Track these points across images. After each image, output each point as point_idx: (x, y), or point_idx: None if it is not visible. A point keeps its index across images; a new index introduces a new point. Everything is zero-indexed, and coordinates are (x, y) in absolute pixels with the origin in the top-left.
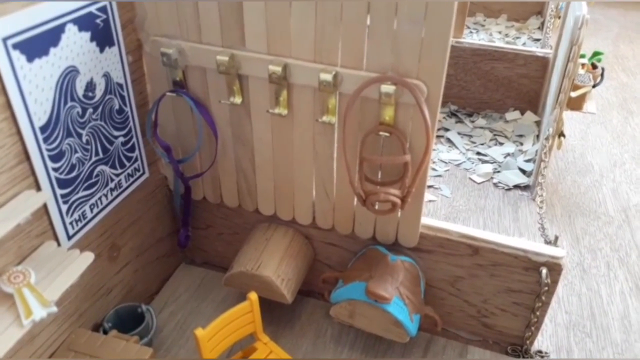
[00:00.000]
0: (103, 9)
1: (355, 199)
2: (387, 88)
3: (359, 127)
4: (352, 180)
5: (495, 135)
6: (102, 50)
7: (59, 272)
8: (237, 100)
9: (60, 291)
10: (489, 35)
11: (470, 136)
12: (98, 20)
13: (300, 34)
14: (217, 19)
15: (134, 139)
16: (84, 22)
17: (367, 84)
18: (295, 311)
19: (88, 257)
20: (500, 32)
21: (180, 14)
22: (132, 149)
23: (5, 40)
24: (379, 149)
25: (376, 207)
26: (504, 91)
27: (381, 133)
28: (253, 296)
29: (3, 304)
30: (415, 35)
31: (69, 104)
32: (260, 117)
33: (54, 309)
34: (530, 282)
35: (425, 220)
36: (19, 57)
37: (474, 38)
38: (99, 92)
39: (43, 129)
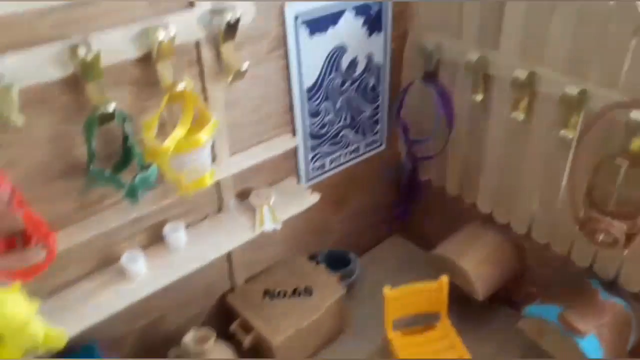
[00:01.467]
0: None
1: None
2: None
3: (597, 150)
4: (574, 203)
5: None
6: (370, 35)
7: (291, 202)
8: (479, 98)
9: (288, 215)
10: None
11: None
12: (373, 9)
13: (556, 44)
14: (478, 20)
15: (380, 114)
16: (361, 10)
17: (616, 107)
18: (486, 314)
19: (315, 197)
20: None
21: (446, 12)
22: (376, 123)
23: (297, 17)
24: (615, 177)
25: (599, 237)
26: None
27: (622, 162)
28: (444, 279)
29: (247, 213)
30: None
31: (333, 74)
32: (498, 117)
33: (279, 226)
34: None
35: None
36: (303, 31)
37: None
38: (359, 70)
39: (308, 89)
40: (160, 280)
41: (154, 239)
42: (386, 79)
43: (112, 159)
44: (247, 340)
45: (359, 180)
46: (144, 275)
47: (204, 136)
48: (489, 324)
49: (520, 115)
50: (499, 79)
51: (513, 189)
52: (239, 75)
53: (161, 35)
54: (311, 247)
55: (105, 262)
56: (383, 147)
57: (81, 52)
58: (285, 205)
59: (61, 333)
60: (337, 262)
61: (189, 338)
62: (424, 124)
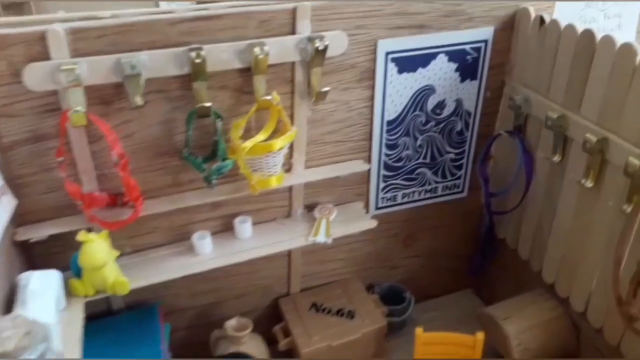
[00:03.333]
0: (477, 49)
1: None
2: None
3: None
4: (618, 291)
5: None
6: (462, 81)
7: (351, 223)
8: (557, 158)
9: (342, 233)
10: None
11: None
12: (468, 57)
13: (631, 115)
14: (565, 80)
15: (464, 161)
16: (455, 56)
17: None
18: None
19: (372, 223)
20: None
21: (540, 69)
22: (458, 168)
23: (387, 54)
24: None
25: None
26: None
27: None
28: (480, 335)
29: (309, 222)
30: None
31: (417, 112)
32: (571, 182)
33: (330, 241)
34: None
35: None
36: (392, 68)
37: None
38: (446, 112)
39: (389, 122)
40: (222, 260)
41: (226, 227)
42: (475, 126)
43: (206, 149)
44: (282, 343)
45: (432, 222)
46: (209, 254)
47: (278, 143)
48: None
49: (589, 183)
50: (576, 142)
51: (575, 261)
52: (320, 96)
53: (259, 53)
54: (373, 277)
55: (182, 237)
56: (464, 194)
57: (194, 56)
58: (344, 224)
59: (126, 283)
60: (395, 298)
61: (230, 323)
62: (504, 177)
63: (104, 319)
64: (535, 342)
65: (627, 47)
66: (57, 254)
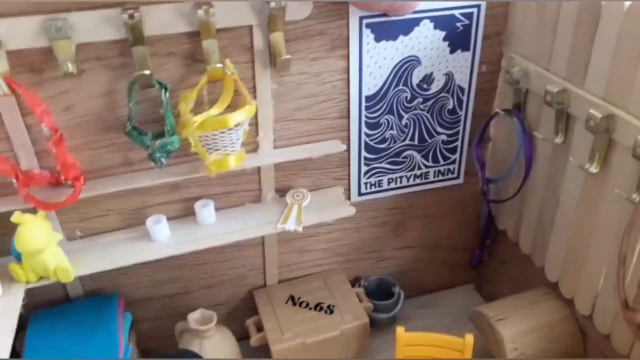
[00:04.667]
0: (467, 16)
1: None
2: None
3: None
4: (623, 293)
5: None
6: (452, 52)
7: (327, 210)
8: (559, 140)
9: (315, 221)
10: None
11: None
12: (458, 24)
13: None
14: (567, 50)
15: (458, 143)
16: (442, 22)
17: None
18: None
19: (351, 210)
20: None
21: (539, 38)
22: (452, 151)
23: (362, 18)
24: None
25: None
26: None
27: None
28: (469, 338)
29: (279, 207)
30: None
31: (400, 87)
32: (574, 167)
33: (300, 229)
34: None
35: None
36: (368, 35)
37: None
38: (434, 87)
39: (369, 98)
40: (179, 247)
41: (188, 212)
42: (470, 103)
43: (158, 125)
44: (254, 339)
45: (425, 210)
46: (166, 240)
47: (234, 118)
48: None
49: (594, 168)
50: (580, 120)
51: (580, 258)
52: (282, 65)
53: (203, 15)
54: (360, 269)
55: (138, 222)
56: (460, 181)
57: (127, 18)
58: (318, 211)
59: (69, 270)
60: (385, 292)
61: (193, 316)
62: (504, 162)
63: (59, 307)
64: (535, 347)
65: (637, 8)
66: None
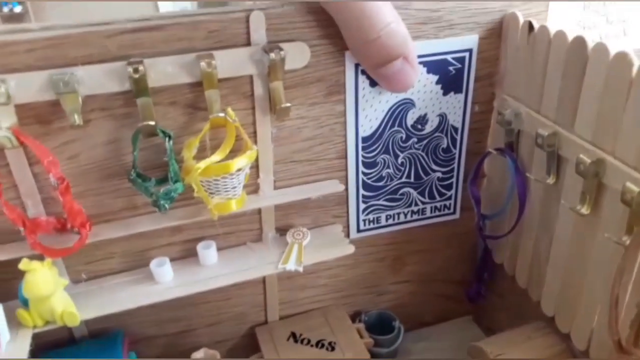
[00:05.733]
0: (460, 60)
1: None
2: None
3: None
4: (617, 335)
5: None
6: (445, 94)
7: (326, 249)
8: (551, 180)
9: (315, 260)
10: None
11: None
12: (451, 68)
13: (628, 134)
14: (556, 93)
15: (453, 180)
16: (435, 67)
17: None
18: None
19: (350, 248)
20: None
21: (530, 81)
22: (447, 188)
23: (357, 65)
24: None
25: None
26: None
27: None
28: None
29: (281, 247)
30: None
31: (395, 128)
32: (566, 207)
33: (300, 269)
34: None
35: None
36: (363, 81)
37: None
38: (428, 128)
39: (365, 139)
40: (183, 289)
41: (190, 253)
42: (464, 142)
43: (161, 171)
44: None
45: (423, 245)
46: (169, 282)
47: (236, 164)
48: None
49: (585, 210)
50: (571, 163)
51: (575, 294)
52: (282, 113)
53: (206, 66)
54: (359, 304)
55: (142, 264)
56: (456, 216)
57: (132, 72)
58: (318, 250)
59: (75, 314)
60: (385, 326)
61: (196, 355)
62: (498, 198)
63: (65, 349)
64: None
65: (622, 56)
66: (7, 280)
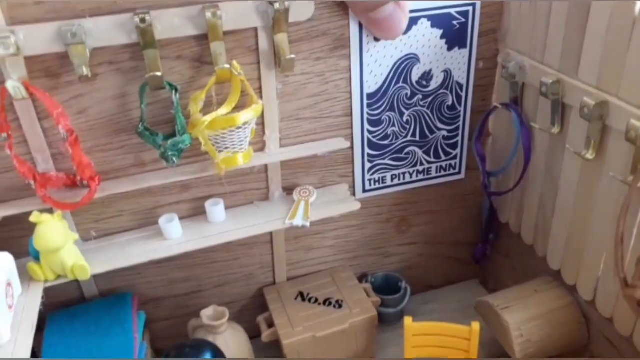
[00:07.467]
0: (464, 14)
1: None
2: None
3: None
4: (622, 272)
5: None
6: (449, 49)
7: (333, 206)
8: (555, 130)
9: (322, 216)
10: None
11: None
12: (455, 22)
13: (632, 73)
14: (560, 42)
15: (459, 139)
16: (439, 21)
17: None
18: None
19: (356, 205)
20: None
21: (533, 33)
22: (453, 147)
23: None
24: None
25: None
26: None
27: None
28: (475, 326)
29: (287, 205)
30: None
31: (400, 84)
32: (571, 155)
33: (308, 224)
34: None
35: None
36: (368, 35)
37: None
38: (433, 84)
39: (370, 96)
40: (191, 244)
41: (198, 211)
42: (469, 100)
43: (169, 126)
44: (265, 334)
45: (428, 206)
46: (178, 238)
47: (242, 116)
48: None
49: (590, 154)
50: (575, 109)
51: (581, 244)
52: (286, 65)
53: (211, 17)
54: (366, 266)
55: (151, 221)
56: (462, 176)
57: (139, 22)
58: (324, 207)
59: (86, 267)
60: (392, 288)
61: (206, 312)
62: (503, 155)
63: (75, 307)
64: (539, 333)
65: (624, 2)
66: (19, 238)
